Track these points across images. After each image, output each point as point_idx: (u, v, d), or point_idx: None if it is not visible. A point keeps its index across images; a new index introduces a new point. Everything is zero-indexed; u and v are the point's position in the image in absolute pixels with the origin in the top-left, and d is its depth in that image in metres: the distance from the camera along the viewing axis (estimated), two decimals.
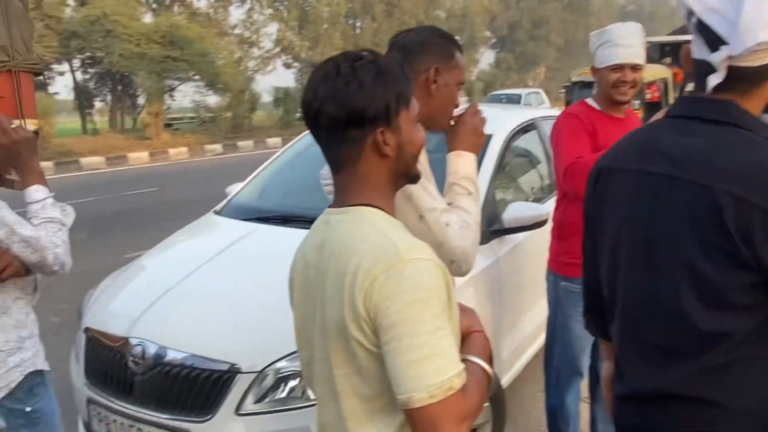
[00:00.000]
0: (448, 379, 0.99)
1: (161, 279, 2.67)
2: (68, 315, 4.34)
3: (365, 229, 1.10)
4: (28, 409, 1.76)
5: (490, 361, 1.18)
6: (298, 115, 22.43)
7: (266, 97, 25.04)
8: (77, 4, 23.23)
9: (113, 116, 24.39)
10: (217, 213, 3.37)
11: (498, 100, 19.82)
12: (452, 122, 1.66)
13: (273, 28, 28.98)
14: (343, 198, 1.16)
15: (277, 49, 28.99)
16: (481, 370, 1.13)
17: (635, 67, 2.40)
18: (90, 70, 24.32)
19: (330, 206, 1.20)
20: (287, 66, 30.38)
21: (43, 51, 21.57)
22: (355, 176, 1.14)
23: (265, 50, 28.80)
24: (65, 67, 24.04)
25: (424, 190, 1.48)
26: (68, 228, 1.82)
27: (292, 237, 2.95)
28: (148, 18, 24.45)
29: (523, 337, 3.26)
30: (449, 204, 1.56)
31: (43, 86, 22.85)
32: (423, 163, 1.52)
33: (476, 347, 1.18)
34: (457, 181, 1.60)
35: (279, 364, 2.15)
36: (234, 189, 3.64)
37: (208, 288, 2.53)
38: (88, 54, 22.60)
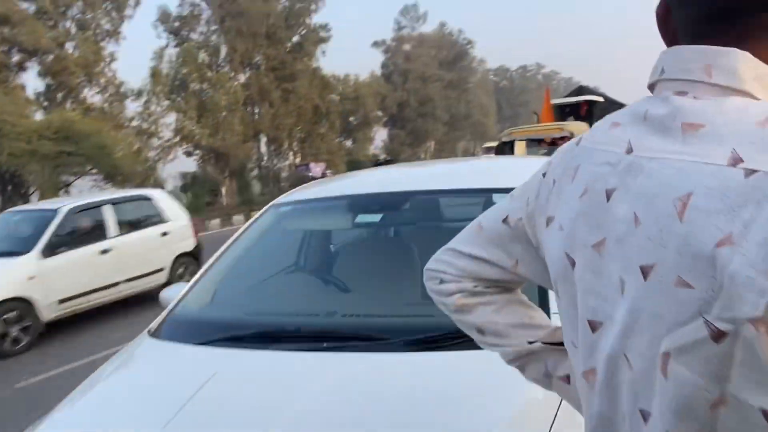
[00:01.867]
0: None
1: None
2: None
3: None
4: None
5: None
6: (207, 199, 20.92)
7: (170, 184, 23.36)
8: None
9: None
10: (154, 334, 2.15)
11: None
12: None
13: (171, 118, 27.48)
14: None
15: (177, 138, 27.35)
16: None
17: None
18: None
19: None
20: (188, 154, 28.72)
21: None
22: None
23: (165, 139, 27.12)
24: None
25: None
26: None
27: (292, 369, 1.68)
28: (39, 115, 22.37)
29: None
30: None
31: None
32: None
33: None
34: None
35: None
36: (172, 295, 2.44)
37: None
38: None
